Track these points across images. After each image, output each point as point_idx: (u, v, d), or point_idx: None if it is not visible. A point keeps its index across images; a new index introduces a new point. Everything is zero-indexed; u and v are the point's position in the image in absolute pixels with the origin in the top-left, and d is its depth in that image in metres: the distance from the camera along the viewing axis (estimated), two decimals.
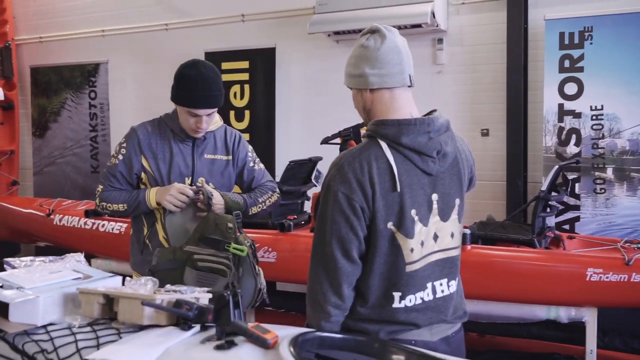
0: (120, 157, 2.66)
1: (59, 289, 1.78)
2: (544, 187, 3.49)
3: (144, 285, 1.72)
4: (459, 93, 4.69)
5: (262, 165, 2.89)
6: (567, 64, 4.26)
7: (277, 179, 4.02)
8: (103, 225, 4.51)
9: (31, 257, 1.98)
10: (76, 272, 1.94)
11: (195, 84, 2.48)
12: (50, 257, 2.00)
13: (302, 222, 4.09)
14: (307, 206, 4.36)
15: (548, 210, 3.61)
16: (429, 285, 1.86)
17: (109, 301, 1.71)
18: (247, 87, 5.26)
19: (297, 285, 4.17)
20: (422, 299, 1.84)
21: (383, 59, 1.82)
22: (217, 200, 2.52)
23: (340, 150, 3.09)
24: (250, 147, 2.87)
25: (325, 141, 3.37)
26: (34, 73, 6.43)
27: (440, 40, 4.65)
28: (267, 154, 5.19)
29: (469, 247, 3.40)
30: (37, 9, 6.50)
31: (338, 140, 3.38)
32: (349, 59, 1.91)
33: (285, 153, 5.10)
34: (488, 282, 3.37)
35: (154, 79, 5.71)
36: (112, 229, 4.46)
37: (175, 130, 2.65)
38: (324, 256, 1.80)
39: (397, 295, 1.81)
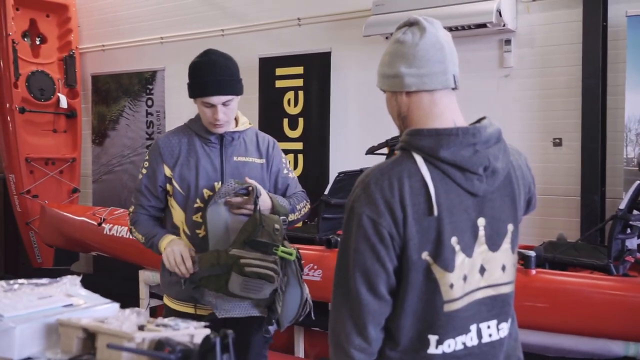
0: (144, 170, 2.53)
1: (42, 318, 1.58)
2: (622, 205, 3.07)
3: (128, 319, 1.50)
4: (529, 99, 4.28)
5: (294, 174, 2.71)
6: None
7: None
8: None
9: (22, 280, 1.80)
10: (69, 298, 1.74)
11: (204, 70, 2.36)
12: (43, 280, 1.81)
13: None
14: None
15: (628, 231, 3.17)
16: (473, 327, 1.54)
17: (91, 335, 1.50)
18: (301, 93, 5.04)
19: None
20: (464, 344, 1.53)
21: (422, 56, 1.53)
22: (264, 201, 2.35)
23: None
24: (283, 154, 2.68)
25: (371, 151, 3.08)
26: (94, 81, 6.49)
27: (507, 41, 4.26)
28: (321, 164, 4.95)
29: (533, 271, 3.03)
30: (100, 17, 6.56)
31: (385, 150, 3.07)
32: (382, 57, 1.63)
33: (340, 163, 4.84)
34: (556, 312, 3.01)
35: None
36: None
37: (200, 132, 2.49)
38: (347, 291, 1.52)
39: (433, 338, 1.51)
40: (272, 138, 2.66)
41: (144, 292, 4.60)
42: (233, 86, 2.39)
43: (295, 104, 5.07)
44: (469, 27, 4.14)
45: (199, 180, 2.43)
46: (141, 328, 1.47)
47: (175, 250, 2.31)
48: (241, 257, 2.20)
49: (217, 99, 2.35)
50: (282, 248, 2.24)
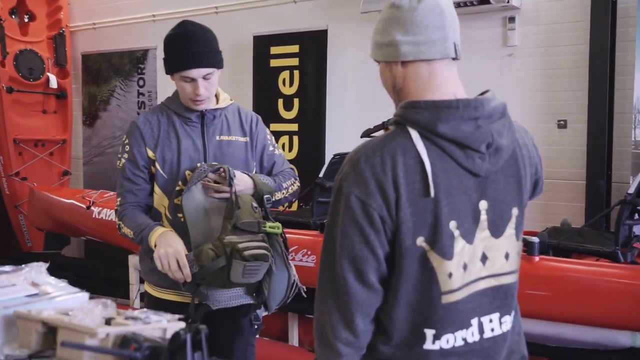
0: (126, 155, 2.37)
1: (1, 310, 1.44)
2: (631, 190, 2.92)
3: (93, 311, 1.35)
4: (533, 79, 4.10)
5: (281, 151, 2.58)
6: None
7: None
8: None
9: None
10: (34, 287, 1.60)
11: (182, 42, 2.22)
12: (6, 267, 1.66)
13: None
14: None
15: (636, 216, 3.03)
16: (474, 321, 1.41)
17: (53, 329, 1.36)
18: (296, 73, 4.86)
19: None
20: (464, 339, 1.40)
21: (420, 22, 1.39)
22: (243, 181, 2.24)
23: None
24: (268, 130, 2.55)
25: (367, 134, 2.89)
26: (85, 60, 6.30)
27: (512, 19, 4.07)
28: (316, 146, 4.80)
29: (536, 258, 2.89)
30: None
31: (383, 132, 2.87)
32: (376, 24, 1.49)
33: (337, 145, 4.68)
34: (559, 300, 2.87)
35: None
36: None
37: (179, 111, 2.35)
38: (332, 279, 1.38)
39: (429, 333, 1.38)
40: (255, 114, 2.52)
41: (134, 277, 4.48)
42: (214, 58, 2.25)
43: (291, 84, 4.89)
44: (471, 3, 3.96)
45: (180, 161, 2.30)
46: (108, 321, 1.32)
47: (169, 254, 2.14)
48: (238, 243, 2.11)
49: (197, 72, 2.21)
50: (268, 224, 2.19)
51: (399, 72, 1.45)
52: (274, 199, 2.36)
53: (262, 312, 2.39)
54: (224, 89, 2.45)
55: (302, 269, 2.72)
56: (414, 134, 1.35)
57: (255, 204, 2.22)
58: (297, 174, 2.56)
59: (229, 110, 2.42)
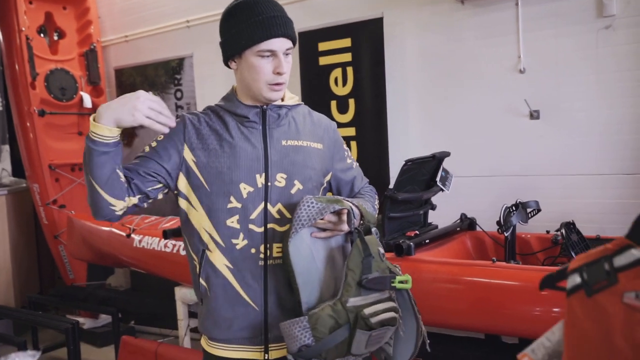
0: (154, 143, 1.82)
1: None
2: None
3: None
4: (637, 55, 3.42)
5: (356, 163, 2.09)
6: None
7: (392, 184, 3.04)
8: (185, 248, 3.73)
9: None
10: None
11: (256, 7, 1.75)
12: None
13: (426, 241, 3.05)
14: (432, 217, 3.33)
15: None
16: None
17: None
18: (350, 70, 4.27)
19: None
20: None
21: None
22: (356, 216, 1.81)
23: None
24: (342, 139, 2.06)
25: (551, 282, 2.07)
26: (118, 75, 5.87)
27: None
28: (379, 152, 4.20)
29: None
30: (122, 4, 5.94)
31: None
32: None
33: (402, 149, 4.10)
34: None
35: None
36: None
37: (233, 109, 1.82)
38: None
39: None
40: (331, 120, 2.02)
41: (181, 312, 3.96)
42: (293, 29, 1.80)
43: (344, 83, 4.31)
44: None
45: (234, 172, 1.76)
46: None
47: (149, 106, 1.60)
48: (364, 307, 1.66)
49: (280, 43, 1.74)
50: (398, 278, 1.71)
51: None
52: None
53: None
54: None
55: None
56: None
57: (382, 249, 1.73)
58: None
59: (297, 112, 1.92)
